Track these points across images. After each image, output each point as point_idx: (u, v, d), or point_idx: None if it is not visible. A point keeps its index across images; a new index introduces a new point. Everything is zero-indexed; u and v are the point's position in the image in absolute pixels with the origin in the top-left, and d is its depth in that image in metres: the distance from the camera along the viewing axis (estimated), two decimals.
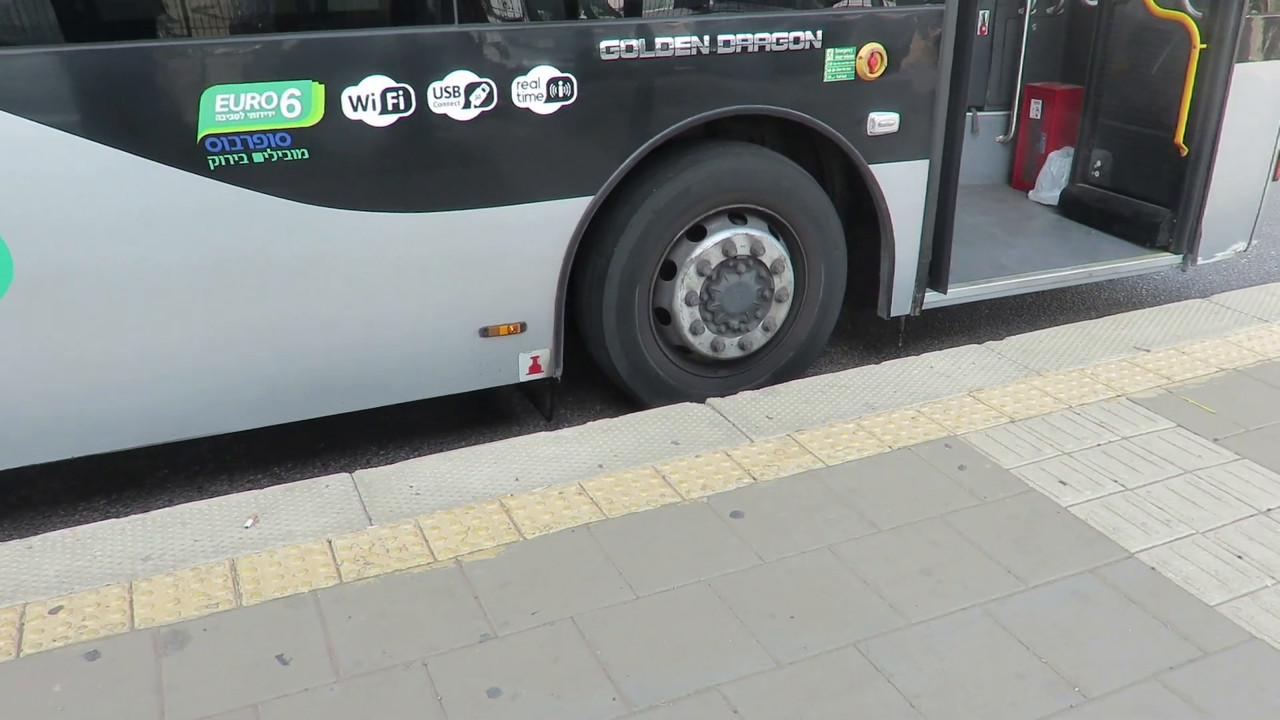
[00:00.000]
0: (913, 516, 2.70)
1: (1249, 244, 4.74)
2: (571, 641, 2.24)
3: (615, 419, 3.21)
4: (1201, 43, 4.17)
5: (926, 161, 3.82)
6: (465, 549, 2.54)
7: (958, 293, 4.10)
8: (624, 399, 3.88)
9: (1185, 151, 4.35)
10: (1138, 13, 4.57)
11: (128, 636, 2.23)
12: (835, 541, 2.58)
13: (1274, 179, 4.63)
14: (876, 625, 2.29)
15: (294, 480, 3.44)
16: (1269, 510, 2.72)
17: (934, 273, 4.00)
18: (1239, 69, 4.28)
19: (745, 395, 3.38)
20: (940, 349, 3.74)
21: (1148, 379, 3.46)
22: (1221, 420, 3.19)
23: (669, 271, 3.62)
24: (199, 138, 2.80)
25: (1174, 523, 2.66)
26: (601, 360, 3.71)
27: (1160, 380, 3.45)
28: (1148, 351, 3.68)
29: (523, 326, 3.40)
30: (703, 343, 3.73)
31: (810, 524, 2.65)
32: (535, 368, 3.49)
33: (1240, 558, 2.52)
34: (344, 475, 2.87)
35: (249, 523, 2.65)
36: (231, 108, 2.81)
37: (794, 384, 3.46)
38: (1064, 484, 2.84)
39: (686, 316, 3.66)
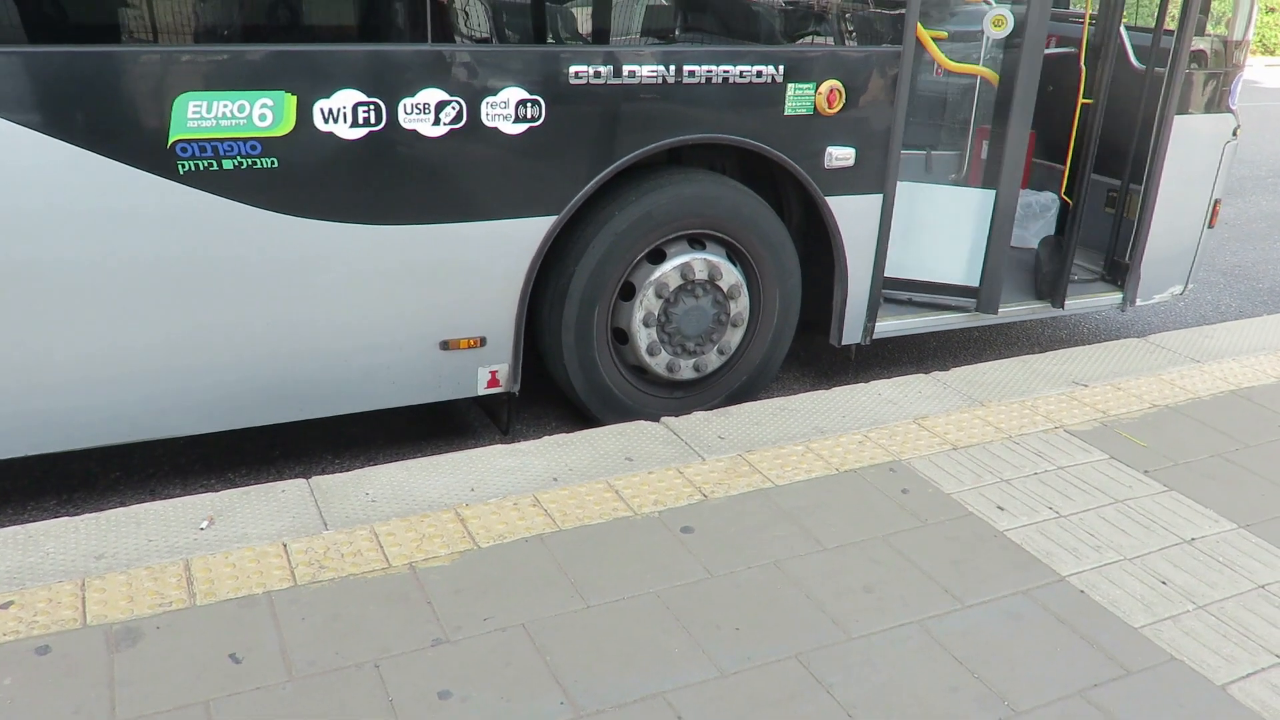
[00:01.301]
0: (857, 536, 2.79)
1: (1185, 288, 4.94)
2: (523, 647, 2.29)
3: (571, 434, 3.28)
4: (1086, 97, 4.33)
5: (880, 196, 3.95)
6: (420, 555, 2.59)
7: (906, 323, 4.23)
8: (580, 416, 3.95)
9: (1071, 203, 4.51)
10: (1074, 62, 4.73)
11: (80, 632, 2.25)
12: (781, 558, 2.67)
13: (1209, 227, 4.83)
14: (818, 638, 2.37)
15: (248, 486, 3.47)
16: (1193, 540, 2.85)
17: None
18: (1178, 121, 4.48)
19: (699, 415, 3.46)
20: (890, 377, 3.85)
21: (1085, 412, 3.60)
22: (1152, 454, 3.33)
23: (628, 292, 3.70)
24: (170, 142, 2.83)
25: (1104, 549, 2.78)
26: (559, 377, 3.77)
27: (1097, 414, 3.59)
28: (1086, 386, 3.82)
29: (483, 341, 3.46)
30: (659, 363, 3.81)
31: (758, 540, 2.74)
32: (494, 382, 3.55)
33: (1164, 583, 2.65)
34: (300, 480, 2.91)
35: (204, 524, 2.67)
36: (204, 114, 2.85)
37: (746, 406, 3.55)
38: (1001, 509, 2.95)
39: (644, 337, 3.74)
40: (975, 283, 4.26)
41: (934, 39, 4.10)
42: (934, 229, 4.22)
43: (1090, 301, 4.68)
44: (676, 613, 2.43)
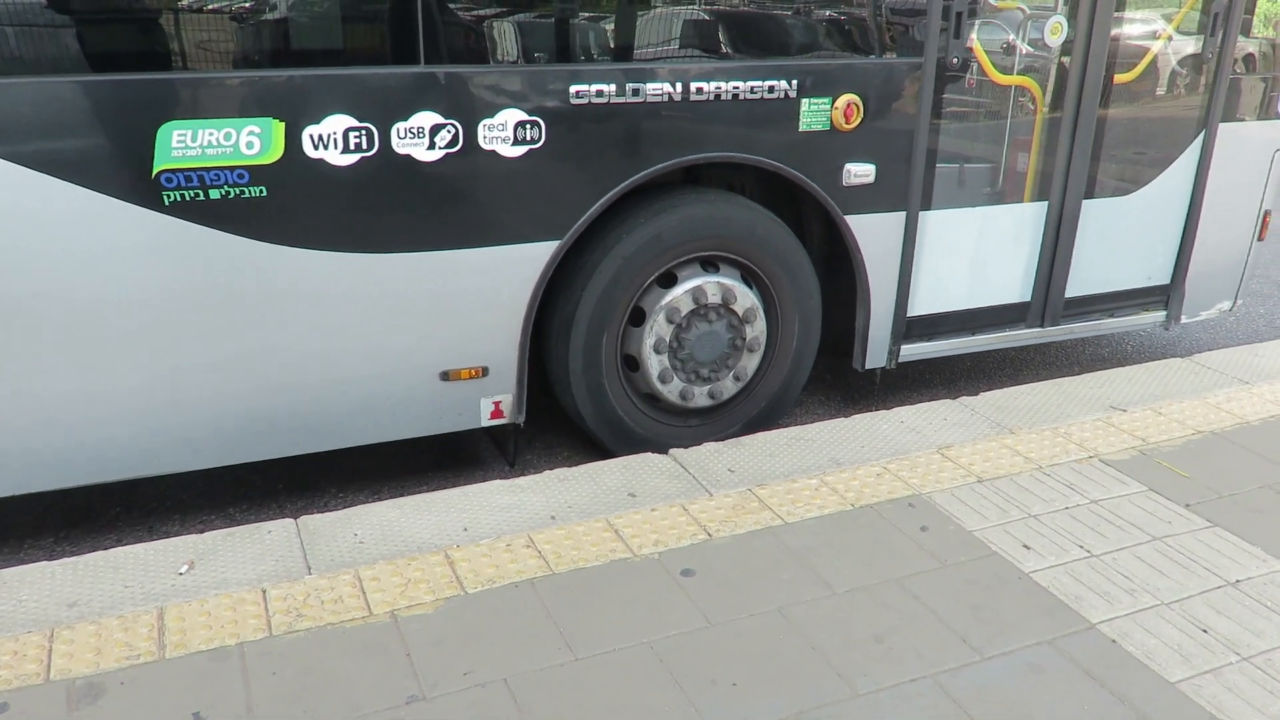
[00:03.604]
0: (869, 579, 2.61)
1: (1234, 303, 4.68)
2: (502, 705, 2.15)
3: (573, 469, 3.14)
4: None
5: (903, 213, 3.77)
6: (403, 602, 2.46)
7: (935, 346, 4.04)
8: (593, 445, 3.81)
9: None
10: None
11: (41, 689, 2.15)
12: (786, 603, 2.50)
13: (1259, 239, 4.58)
14: (821, 695, 2.20)
15: (247, 521, 3.39)
16: (1237, 582, 2.63)
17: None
18: (1224, 128, 4.25)
19: (709, 446, 3.31)
20: (918, 401, 3.67)
21: (1122, 440, 3.39)
22: (1194, 485, 3.11)
23: (638, 318, 3.56)
24: (154, 173, 2.76)
25: (1139, 593, 2.58)
26: (568, 406, 3.64)
27: (1135, 441, 3.38)
28: (1124, 411, 3.61)
29: (485, 371, 3.34)
30: (671, 391, 3.66)
31: (762, 584, 2.57)
32: (497, 413, 3.43)
33: (1205, 632, 2.44)
34: (288, 521, 2.80)
35: (184, 568, 2.57)
36: (189, 143, 2.77)
37: (759, 436, 3.38)
38: (1028, 548, 2.76)
39: (655, 364, 3.60)
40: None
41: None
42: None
43: (1132, 320, 4.45)
44: (670, 666, 2.28)
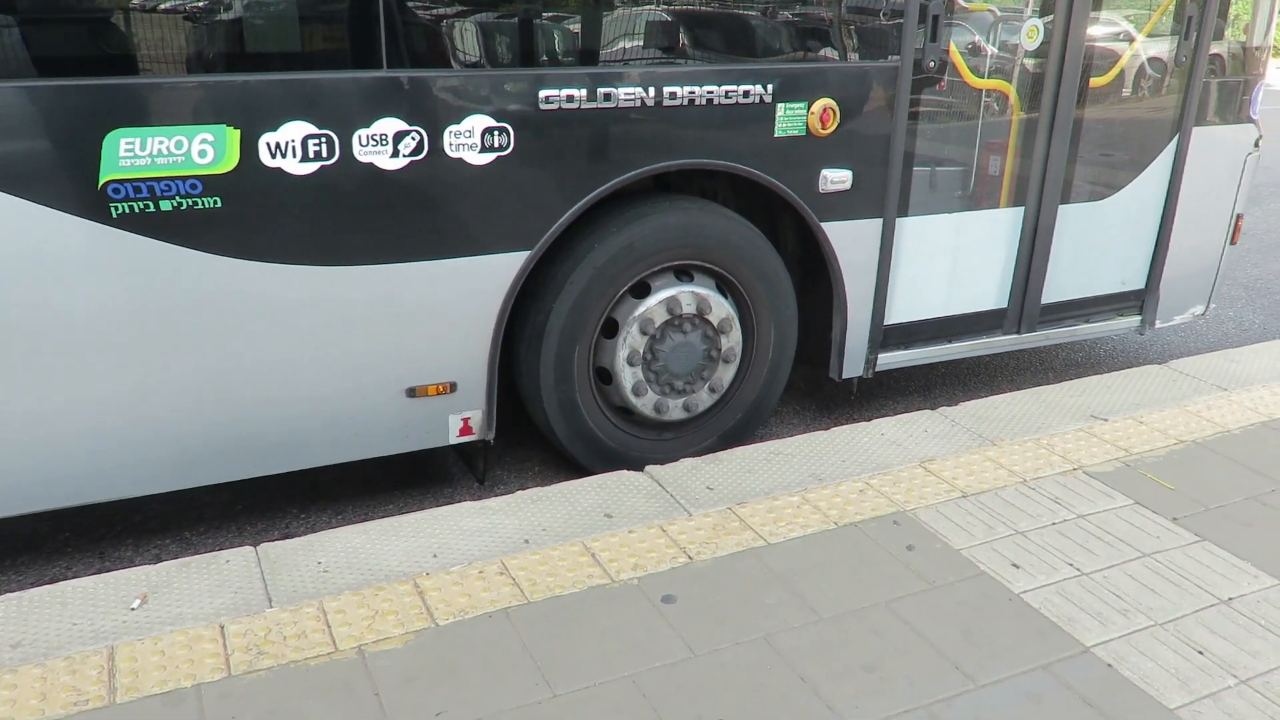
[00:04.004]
0: (857, 603, 2.52)
1: (1207, 307, 4.67)
2: None
3: (546, 488, 3.03)
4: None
5: (880, 220, 3.69)
6: (371, 637, 2.33)
7: (912, 355, 3.97)
8: (564, 460, 3.70)
9: None
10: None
11: None
12: (772, 631, 2.40)
13: (1232, 243, 4.56)
14: None
15: (205, 547, 3.24)
16: (1230, 600, 2.58)
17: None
18: (1197, 132, 4.22)
19: (686, 463, 3.20)
20: (895, 410, 3.60)
21: (1105, 450, 3.33)
22: (1180, 497, 3.06)
23: (611, 329, 3.45)
24: (100, 184, 2.60)
25: (1131, 613, 2.51)
26: (539, 421, 3.53)
27: (1118, 452, 3.32)
28: (1105, 420, 3.55)
29: (453, 387, 3.21)
30: (646, 404, 3.56)
31: (747, 610, 2.47)
32: (466, 430, 3.30)
33: (1201, 653, 2.37)
34: (248, 549, 2.66)
35: (136, 603, 2.43)
36: (137, 152, 2.62)
37: (738, 451, 3.29)
38: (1017, 567, 2.68)
39: (629, 377, 3.49)
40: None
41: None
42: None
43: (1107, 326, 4.41)
44: (653, 701, 2.17)
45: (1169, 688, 2.26)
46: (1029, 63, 3.90)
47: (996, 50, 3.90)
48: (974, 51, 3.85)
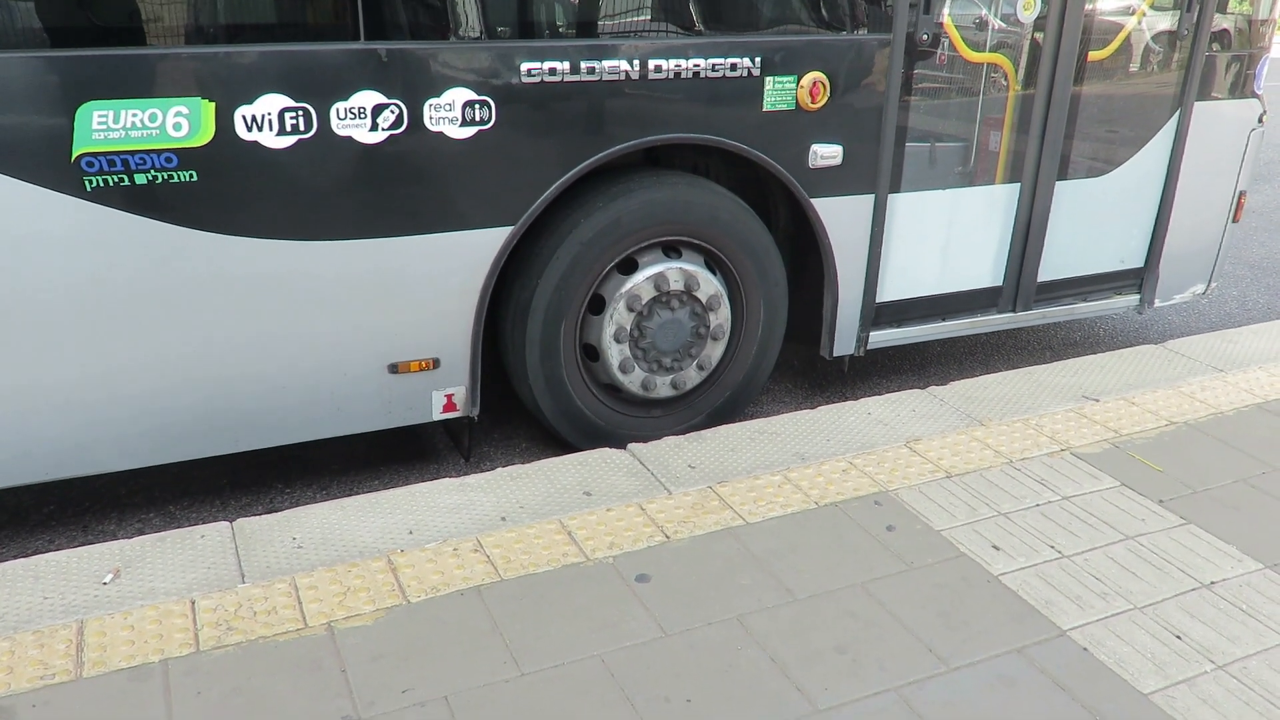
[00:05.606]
0: (833, 584, 2.50)
1: (1208, 286, 4.60)
2: None
3: (526, 465, 3.01)
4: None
5: (872, 196, 3.65)
6: (341, 613, 2.33)
7: (905, 333, 3.93)
8: (552, 438, 3.68)
9: None
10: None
11: None
12: (746, 611, 2.38)
13: (1234, 221, 4.49)
14: (779, 711, 2.09)
15: (188, 521, 3.24)
16: (1212, 584, 2.54)
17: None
18: (1199, 107, 4.14)
19: (669, 441, 3.18)
20: (888, 389, 3.57)
21: (1094, 431, 3.29)
22: (1168, 480, 3.02)
23: (598, 306, 3.42)
24: (74, 157, 2.58)
25: (1111, 596, 2.48)
26: (525, 397, 3.51)
27: (1107, 433, 3.28)
28: (1096, 401, 3.51)
29: (436, 363, 3.19)
30: (633, 381, 3.53)
31: (721, 591, 2.45)
32: (450, 406, 3.29)
33: (1179, 638, 2.34)
34: (223, 524, 2.65)
35: (109, 577, 2.42)
36: (111, 125, 2.59)
37: (722, 430, 3.26)
38: (997, 549, 2.66)
39: (616, 354, 3.46)
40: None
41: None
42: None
43: (1105, 304, 4.36)
44: (622, 681, 2.16)
45: (1144, 672, 2.23)
46: (1026, 36, 3.83)
47: (993, 23, 3.83)
48: (969, 24, 3.78)
